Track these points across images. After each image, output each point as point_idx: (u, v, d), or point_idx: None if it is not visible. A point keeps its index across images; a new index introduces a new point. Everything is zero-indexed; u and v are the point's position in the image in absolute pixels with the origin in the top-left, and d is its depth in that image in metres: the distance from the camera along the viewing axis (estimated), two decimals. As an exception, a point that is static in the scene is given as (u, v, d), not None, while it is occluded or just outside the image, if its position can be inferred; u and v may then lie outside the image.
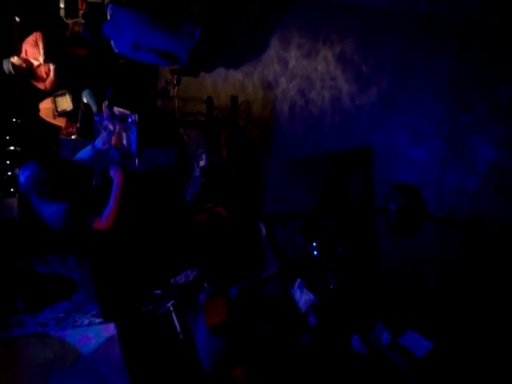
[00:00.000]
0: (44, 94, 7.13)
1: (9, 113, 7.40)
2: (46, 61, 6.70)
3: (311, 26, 4.39)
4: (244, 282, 3.90)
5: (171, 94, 6.30)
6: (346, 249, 3.90)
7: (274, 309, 4.21)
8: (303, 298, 4.12)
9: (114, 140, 4.74)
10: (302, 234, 4.09)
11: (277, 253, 3.96)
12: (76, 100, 6.79)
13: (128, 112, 5.03)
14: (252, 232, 4.56)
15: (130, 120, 4.89)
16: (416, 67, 3.33)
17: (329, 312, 3.99)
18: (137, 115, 4.84)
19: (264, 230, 3.93)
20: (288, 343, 3.92)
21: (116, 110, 5.21)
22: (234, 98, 5.48)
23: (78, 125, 6.70)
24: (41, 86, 6.94)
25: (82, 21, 6.88)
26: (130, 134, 4.89)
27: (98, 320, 4.94)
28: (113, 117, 5.06)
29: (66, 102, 6.96)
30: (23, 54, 6.73)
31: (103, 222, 3.77)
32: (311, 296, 4.07)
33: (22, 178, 3.69)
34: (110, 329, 4.71)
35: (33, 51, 6.69)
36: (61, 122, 7.15)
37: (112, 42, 5.76)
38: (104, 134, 4.70)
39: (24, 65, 6.67)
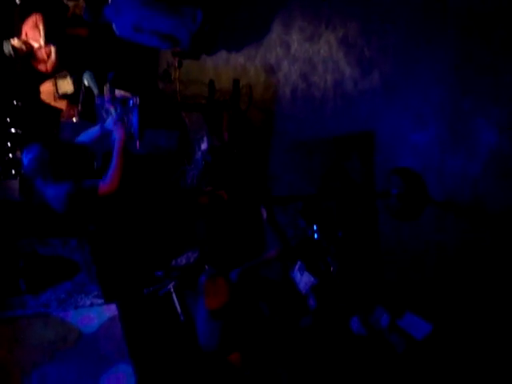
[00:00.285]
0: (45, 77, 7.10)
1: (9, 95, 7.37)
2: (47, 43, 6.67)
3: (314, 9, 4.38)
4: (245, 265, 3.92)
5: (172, 76, 6.27)
6: (346, 232, 3.92)
7: (274, 291, 4.23)
8: (303, 280, 4.15)
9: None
10: (303, 216, 4.11)
11: (278, 235, 3.98)
12: (77, 82, 6.77)
13: (129, 95, 5.02)
14: (253, 215, 4.57)
15: (131, 102, 4.89)
16: (418, 51, 3.32)
17: (329, 294, 4.01)
18: (138, 98, 4.84)
19: (265, 213, 3.95)
20: (288, 325, 3.95)
21: (117, 92, 5.20)
22: (236, 81, 5.47)
23: (79, 107, 6.68)
24: (42, 68, 6.91)
25: (83, 3, 6.83)
26: (131, 116, 4.89)
27: (99, 301, 4.97)
28: (114, 99, 5.06)
29: (67, 85, 6.94)
30: (23, 36, 6.70)
31: (108, 181, 3.62)
32: (311, 278, 4.09)
33: (25, 161, 3.69)
34: (112, 309, 4.75)
35: (33, 33, 6.66)
36: (62, 104, 7.13)
37: (113, 25, 5.74)
38: (115, 115, 4.69)
39: (24, 47, 6.64)
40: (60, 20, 7.03)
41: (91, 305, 4.91)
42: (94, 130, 4.33)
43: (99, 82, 6.23)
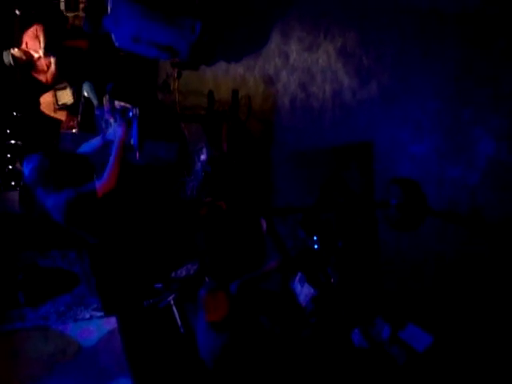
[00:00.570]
0: (45, 88, 7.12)
1: (9, 106, 7.39)
2: (47, 53, 6.69)
3: (312, 19, 4.38)
4: (244, 277, 3.90)
5: (172, 87, 6.29)
6: (346, 242, 3.90)
7: (274, 303, 4.21)
8: (304, 291, 4.13)
9: None
10: (303, 227, 4.10)
11: (278, 246, 3.97)
12: (77, 93, 6.78)
13: (129, 105, 5.01)
14: (253, 226, 4.56)
15: (130, 114, 4.89)
16: (416, 60, 3.32)
17: (329, 306, 3.99)
18: (138, 109, 4.83)
19: (265, 224, 3.94)
20: (289, 337, 3.92)
21: (117, 103, 5.20)
22: (235, 92, 5.47)
23: (79, 118, 6.69)
24: (42, 78, 6.93)
25: (83, 14, 6.86)
26: (130, 128, 4.88)
27: (99, 313, 4.95)
28: (114, 110, 5.05)
29: (66, 96, 6.96)
30: (23, 46, 6.72)
31: (105, 179, 3.66)
32: (312, 290, 4.07)
33: (26, 171, 3.70)
34: (112, 322, 4.73)
35: (33, 43, 6.68)
36: (61, 115, 7.14)
37: (112, 36, 5.75)
38: (116, 126, 4.70)
39: (24, 57, 6.66)
40: (60, 31, 7.05)
41: (91, 317, 4.89)
42: (95, 141, 4.34)
43: (99, 92, 6.24)
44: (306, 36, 4.46)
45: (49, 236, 5.37)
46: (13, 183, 6.52)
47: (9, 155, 6.89)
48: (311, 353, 3.80)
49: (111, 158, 3.74)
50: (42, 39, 6.67)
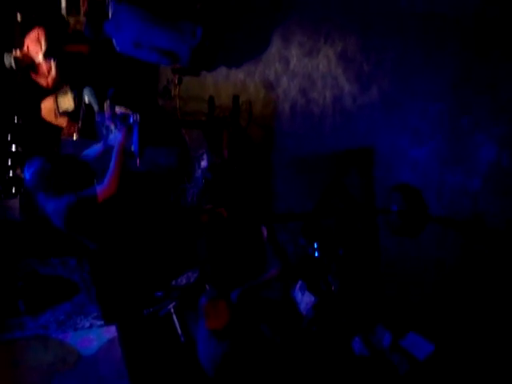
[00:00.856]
0: (46, 93, 7.12)
1: (10, 113, 7.40)
2: (47, 58, 6.69)
3: (312, 24, 4.37)
4: (245, 285, 3.88)
5: (172, 93, 6.27)
6: (346, 250, 3.88)
7: (275, 311, 4.19)
8: (304, 300, 4.10)
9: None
10: (304, 234, 4.07)
11: (278, 254, 3.94)
12: (78, 99, 6.78)
13: (129, 111, 5.00)
14: (253, 233, 4.54)
15: (131, 119, 4.87)
16: (417, 66, 3.31)
17: (330, 314, 3.97)
18: (138, 115, 4.82)
19: (265, 232, 3.91)
20: (289, 346, 3.90)
21: (117, 109, 5.19)
22: (236, 98, 5.46)
23: (80, 124, 6.68)
24: (43, 82, 6.93)
25: (84, 19, 6.86)
26: (131, 133, 4.87)
27: (99, 322, 4.93)
28: (114, 116, 5.04)
29: (67, 102, 6.95)
30: (25, 49, 6.72)
31: (106, 184, 3.61)
32: (312, 298, 4.05)
33: (27, 175, 3.68)
34: (112, 331, 4.71)
35: (34, 47, 6.69)
36: (62, 121, 7.14)
37: (114, 41, 5.75)
38: (116, 132, 4.68)
39: (25, 60, 6.66)
40: (61, 35, 7.06)
41: (90, 326, 4.87)
42: (96, 147, 4.33)
43: (99, 98, 6.24)
44: (306, 41, 4.45)
45: (49, 244, 5.36)
46: (13, 190, 6.52)
47: (9, 162, 6.90)
48: (312, 361, 3.77)
49: (112, 164, 3.72)
50: (43, 43, 6.67)
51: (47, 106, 7.11)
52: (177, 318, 5.01)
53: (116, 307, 5.10)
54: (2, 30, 7.35)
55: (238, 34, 5.61)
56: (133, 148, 4.88)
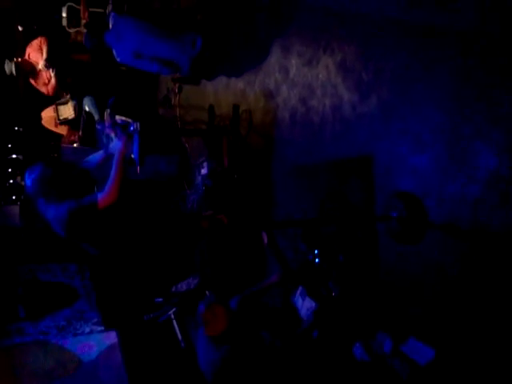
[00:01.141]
0: (46, 102, 7.15)
1: (11, 121, 7.42)
2: (48, 67, 6.72)
3: (312, 34, 4.40)
4: (246, 291, 3.89)
5: (173, 102, 6.32)
6: (347, 256, 3.90)
7: (275, 317, 4.20)
8: (305, 305, 4.11)
9: None
10: (304, 241, 4.09)
11: (279, 260, 3.96)
12: (78, 108, 6.81)
13: (130, 120, 5.03)
14: (254, 239, 4.56)
15: (131, 128, 4.90)
16: (416, 75, 3.33)
17: (331, 320, 3.98)
18: (139, 123, 4.85)
19: (266, 238, 3.93)
20: (290, 352, 3.91)
21: (118, 118, 5.22)
22: (236, 107, 5.49)
23: (80, 133, 6.71)
24: (43, 90, 6.96)
25: (84, 30, 6.91)
26: (131, 142, 4.90)
27: (99, 328, 4.93)
28: (115, 125, 5.07)
29: (68, 111, 6.98)
30: (26, 57, 6.76)
31: (107, 192, 3.63)
32: (313, 304, 4.06)
33: (28, 181, 3.69)
34: (112, 337, 4.71)
35: (36, 55, 6.73)
36: (63, 130, 7.17)
37: (114, 51, 5.78)
38: (117, 140, 4.71)
39: (26, 67, 6.70)
40: (63, 45, 7.10)
41: (90, 332, 4.86)
42: (97, 155, 4.35)
43: (100, 107, 6.27)
44: (306, 50, 4.49)
45: (49, 249, 5.37)
46: (13, 197, 6.53)
47: (10, 169, 6.91)
48: (312, 367, 3.78)
49: (112, 172, 3.74)
50: (44, 51, 6.71)
51: (47, 114, 7.14)
52: (177, 323, 5.01)
53: (116, 313, 5.09)
54: (4, 39, 7.39)
55: (238, 43, 5.65)
56: (133, 156, 4.90)
